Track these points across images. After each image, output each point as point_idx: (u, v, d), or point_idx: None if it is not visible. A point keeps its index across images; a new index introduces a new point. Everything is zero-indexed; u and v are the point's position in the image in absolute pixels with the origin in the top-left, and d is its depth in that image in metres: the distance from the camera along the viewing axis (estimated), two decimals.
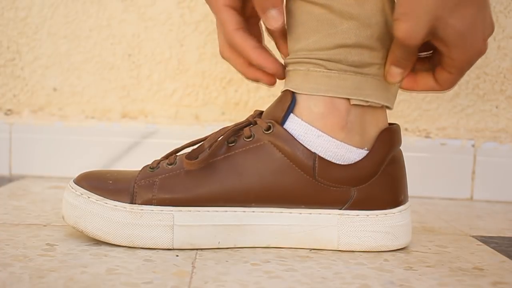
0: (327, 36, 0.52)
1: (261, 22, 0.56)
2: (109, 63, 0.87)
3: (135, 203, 0.52)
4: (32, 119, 0.88)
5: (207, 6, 0.84)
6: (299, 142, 0.53)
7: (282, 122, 0.53)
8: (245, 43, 0.54)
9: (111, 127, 0.87)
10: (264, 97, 0.86)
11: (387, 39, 0.52)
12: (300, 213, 0.53)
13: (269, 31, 0.56)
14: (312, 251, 0.54)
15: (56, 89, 0.88)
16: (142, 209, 0.52)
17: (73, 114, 0.88)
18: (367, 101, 0.53)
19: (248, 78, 0.57)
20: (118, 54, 0.87)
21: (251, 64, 0.56)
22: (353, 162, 0.53)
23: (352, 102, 0.53)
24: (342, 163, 0.53)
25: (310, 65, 0.53)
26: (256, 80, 0.57)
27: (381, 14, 0.51)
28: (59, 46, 0.87)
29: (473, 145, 0.85)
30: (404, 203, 0.55)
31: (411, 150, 0.82)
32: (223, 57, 0.58)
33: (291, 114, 0.54)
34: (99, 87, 0.88)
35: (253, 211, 0.53)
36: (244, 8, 0.56)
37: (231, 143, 0.54)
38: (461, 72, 0.51)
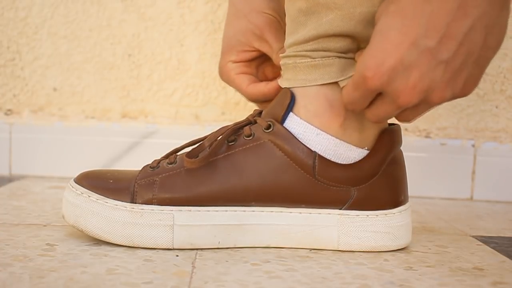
0: (313, 29, 0.52)
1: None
2: (109, 63, 0.87)
3: (135, 203, 0.52)
4: (32, 119, 0.88)
5: (207, 6, 0.84)
6: (299, 141, 0.53)
7: (282, 120, 0.54)
8: (258, 90, 0.61)
9: (111, 127, 0.87)
10: None
11: (371, 27, 0.51)
12: (300, 213, 0.53)
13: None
14: (312, 251, 0.54)
15: (56, 89, 0.88)
16: (142, 209, 0.52)
17: (73, 114, 0.88)
18: None
19: None
20: (118, 54, 0.87)
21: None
22: (353, 161, 0.53)
23: (341, 84, 0.53)
24: (342, 162, 0.53)
25: (297, 58, 0.53)
26: None
27: (367, 4, 0.51)
28: (59, 46, 0.87)
29: (473, 145, 0.85)
30: (404, 204, 0.55)
31: (411, 150, 0.82)
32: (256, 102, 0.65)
33: (291, 113, 0.54)
34: (99, 87, 0.88)
35: (253, 211, 0.53)
36: (255, 64, 0.65)
37: (231, 142, 0.54)
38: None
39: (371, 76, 0.46)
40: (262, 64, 0.64)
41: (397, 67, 0.45)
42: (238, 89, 0.63)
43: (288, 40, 0.55)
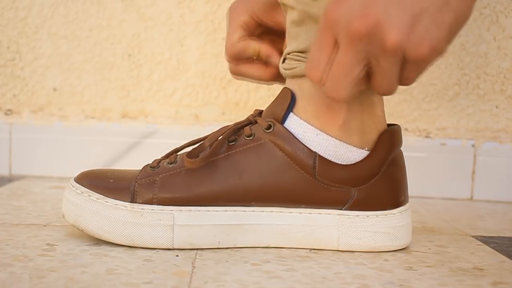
0: (305, 40, 0.53)
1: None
2: (109, 63, 0.87)
3: (135, 202, 0.52)
4: (32, 119, 0.88)
5: (207, 6, 0.84)
6: (300, 141, 0.53)
7: (282, 121, 0.54)
8: (247, 44, 0.61)
9: (111, 127, 0.87)
10: (264, 97, 0.86)
11: None
12: (300, 213, 0.53)
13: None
14: (312, 251, 0.54)
15: (56, 89, 0.88)
16: (142, 208, 0.52)
17: (73, 114, 0.88)
18: None
19: (267, 80, 0.62)
20: (118, 54, 0.87)
21: (265, 64, 0.61)
22: (353, 162, 0.53)
23: None
24: (342, 163, 0.53)
25: (291, 60, 0.54)
26: (275, 80, 0.61)
27: None
28: (59, 46, 0.87)
29: (473, 145, 0.85)
30: (404, 204, 0.55)
31: (411, 150, 0.82)
32: (236, 75, 0.64)
33: (291, 113, 0.54)
34: (99, 87, 0.88)
35: (253, 211, 0.53)
36: (260, 30, 0.64)
37: (231, 142, 0.54)
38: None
39: (329, 9, 0.46)
40: (264, 34, 0.64)
41: (355, 1, 0.45)
42: (229, 36, 0.62)
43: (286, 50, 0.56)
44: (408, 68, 0.46)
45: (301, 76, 0.54)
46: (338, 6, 0.45)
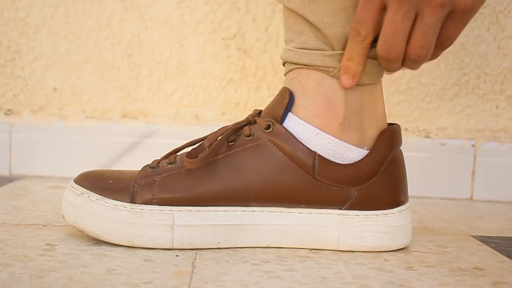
0: (310, 38, 0.53)
1: None
2: (109, 63, 0.87)
3: (135, 203, 0.52)
4: (32, 119, 0.88)
5: (207, 6, 0.84)
6: (299, 141, 0.53)
7: (281, 120, 0.54)
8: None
9: (111, 127, 0.87)
10: (264, 97, 0.86)
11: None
12: (300, 213, 0.53)
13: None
14: (312, 251, 0.54)
15: (56, 89, 0.88)
16: (142, 209, 0.52)
17: (73, 114, 0.88)
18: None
19: None
20: (118, 54, 0.87)
21: None
22: (352, 161, 0.54)
23: (331, 73, 0.53)
24: (342, 162, 0.53)
25: (295, 50, 0.55)
26: None
27: (341, 26, 0.52)
28: (59, 46, 0.87)
29: (473, 145, 0.85)
30: (404, 204, 0.55)
31: (411, 150, 0.82)
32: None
33: (289, 113, 0.54)
34: (99, 87, 0.88)
35: (253, 211, 0.53)
36: None
37: (231, 142, 0.54)
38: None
39: None
40: None
41: None
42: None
43: (287, 45, 0.56)
44: (451, 24, 0.48)
45: (306, 73, 0.54)
46: None
